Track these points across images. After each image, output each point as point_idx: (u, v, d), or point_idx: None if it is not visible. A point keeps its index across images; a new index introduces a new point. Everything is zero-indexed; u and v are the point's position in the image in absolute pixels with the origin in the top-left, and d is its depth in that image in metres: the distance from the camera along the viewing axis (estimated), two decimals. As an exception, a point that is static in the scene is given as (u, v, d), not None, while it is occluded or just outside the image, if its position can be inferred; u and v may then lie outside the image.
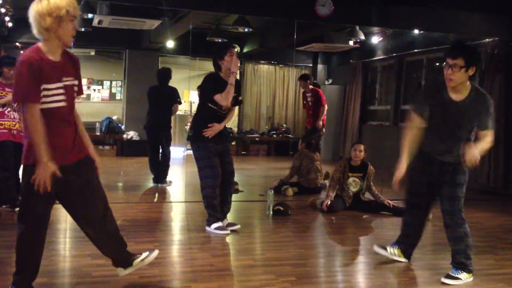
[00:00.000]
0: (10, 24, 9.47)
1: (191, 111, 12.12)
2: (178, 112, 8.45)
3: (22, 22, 8.92)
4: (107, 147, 11.28)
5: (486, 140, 3.56)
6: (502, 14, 7.61)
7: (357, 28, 8.75)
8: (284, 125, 12.69)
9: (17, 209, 4.23)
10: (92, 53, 12.38)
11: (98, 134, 11.04)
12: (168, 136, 7.36)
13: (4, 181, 5.19)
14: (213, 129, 4.70)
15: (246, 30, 8.65)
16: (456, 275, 3.69)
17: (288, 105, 13.02)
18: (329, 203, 5.88)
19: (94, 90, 13.62)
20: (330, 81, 12.52)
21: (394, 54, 10.00)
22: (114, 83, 13.69)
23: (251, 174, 9.62)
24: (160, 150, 7.33)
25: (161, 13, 8.27)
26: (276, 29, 10.01)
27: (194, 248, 4.34)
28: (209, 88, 4.72)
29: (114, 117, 11.67)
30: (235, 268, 3.94)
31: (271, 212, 5.65)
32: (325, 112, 8.43)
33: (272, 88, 12.96)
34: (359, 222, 5.72)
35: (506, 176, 7.81)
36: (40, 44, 2.77)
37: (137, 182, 7.96)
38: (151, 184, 7.40)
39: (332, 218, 5.78)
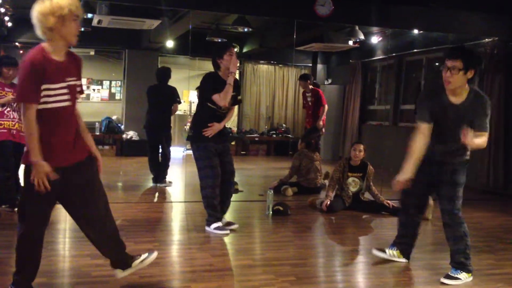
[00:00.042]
0: (9, 24, 9.47)
1: (190, 111, 12.12)
2: (177, 112, 8.43)
3: (21, 22, 9.03)
4: (106, 147, 11.29)
5: (482, 139, 3.58)
6: (502, 14, 7.62)
7: (357, 28, 8.76)
8: (284, 125, 12.68)
9: (16, 209, 4.23)
10: (92, 53, 12.39)
11: (98, 134, 11.04)
12: (168, 136, 7.33)
13: (3, 181, 5.19)
14: (213, 129, 4.70)
15: (245, 30, 8.66)
16: (456, 275, 3.69)
17: (287, 105, 13.00)
18: (328, 203, 5.88)
19: (94, 90, 13.63)
20: (330, 81, 12.51)
21: (394, 54, 9.99)
22: (113, 83, 13.69)
23: (250, 174, 9.62)
24: (160, 150, 7.33)
25: (161, 13, 8.26)
26: (275, 29, 10.01)
27: (193, 248, 4.34)
28: (208, 87, 4.72)
29: (114, 117, 11.68)
30: (235, 268, 3.94)
31: (271, 212, 5.65)
32: (325, 112, 8.44)
33: (271, 88, 12.94)
34: (358, 222, 5.72)
35: (506, 176, 7.81)
36: (44, 44, 2.77)
37: (136, 182, 7.95)
38: (150, 184, 7.39)
39: (331, 218, 5.78)
